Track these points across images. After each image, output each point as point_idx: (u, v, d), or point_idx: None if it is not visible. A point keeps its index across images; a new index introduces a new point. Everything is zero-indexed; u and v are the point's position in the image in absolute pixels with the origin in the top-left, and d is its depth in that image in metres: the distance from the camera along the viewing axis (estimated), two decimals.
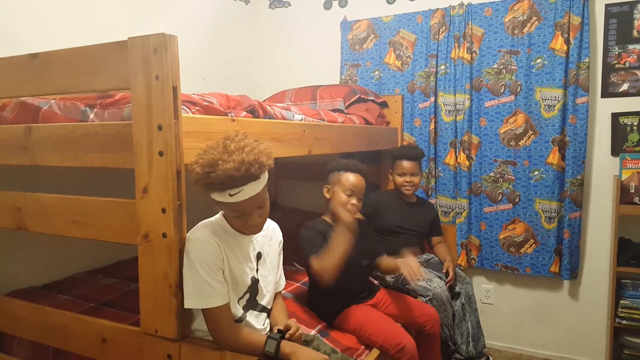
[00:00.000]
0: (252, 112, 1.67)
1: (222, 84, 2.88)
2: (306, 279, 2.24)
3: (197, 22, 2.92)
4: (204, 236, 1.30)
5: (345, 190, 1.93)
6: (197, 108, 1.41)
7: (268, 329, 1.50)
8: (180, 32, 1.31)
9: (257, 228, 1.38)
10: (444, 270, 2.42)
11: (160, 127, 1.22)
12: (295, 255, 2.51)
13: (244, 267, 1.39)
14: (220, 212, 1.41)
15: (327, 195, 1.99)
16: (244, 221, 1.32)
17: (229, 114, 1.51)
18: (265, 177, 1.31)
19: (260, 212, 1.33)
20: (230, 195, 1.24)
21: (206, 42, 2.99)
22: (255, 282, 1.42)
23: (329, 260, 1.70)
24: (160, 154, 1.23)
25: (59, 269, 2.20)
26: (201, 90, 1.60)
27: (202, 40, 2.94)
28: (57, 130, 1.44)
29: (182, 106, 1.30)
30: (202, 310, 1.30)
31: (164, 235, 1.26)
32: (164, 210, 1.25)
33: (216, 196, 1.27)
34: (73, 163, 1.41)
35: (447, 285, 2.34)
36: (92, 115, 1.43)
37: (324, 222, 2.00)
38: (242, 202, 1.26)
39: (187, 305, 1.28)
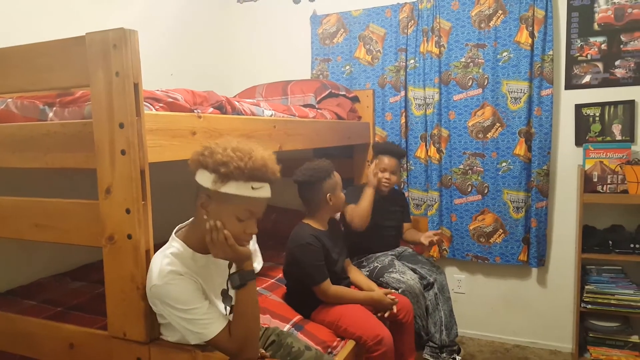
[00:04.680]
0: (220, 108, 1.65)
1: (191, 80, 2.81)
2: (280, 275, 2.23)
3: (163, 16, 2.85)
4: (172, 276, 1.18)
5: (340, 188, 2.08)
6: (161, 105, 1.38)
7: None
8: (146, 26, 1.28)
9: (248, 239, 1.27)
10: (421, 240, 2.54)
11: (121, 125, 1.19)
12: (271, 252, 2.50)
13: (217, 289, 1.31)
14: (177, 241, 1.27)
15: (329, 201, 2.03)
16: (243, 227, 1.21)
17: (195, 111, 1.49)
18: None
19: (256, 223, 1.26)
20: (253, 188, 1.18)
21: (173, 36, 2.92)
22: (225, 292, 1.33)
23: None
24: (123, 152, 1.20)
25: (24, 274, 2.13)
26: (169, 87, 1.57)
27: (169, 34, 2.87)
28: (15, 130, 1.38)
29: (145, 103, 1.27)
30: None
31: (129, 237, 1.23)
32: (128, 211, 1.22)
33: (234, 187, 1.17)
34: (33, 164, 1.36)
35: (436, 239, 2.51)
36: (51, 114, 1.38)
37: (310, 227, 2.00)
38: (259, 200, 1.20)
39: (192, 342, 1.22)
